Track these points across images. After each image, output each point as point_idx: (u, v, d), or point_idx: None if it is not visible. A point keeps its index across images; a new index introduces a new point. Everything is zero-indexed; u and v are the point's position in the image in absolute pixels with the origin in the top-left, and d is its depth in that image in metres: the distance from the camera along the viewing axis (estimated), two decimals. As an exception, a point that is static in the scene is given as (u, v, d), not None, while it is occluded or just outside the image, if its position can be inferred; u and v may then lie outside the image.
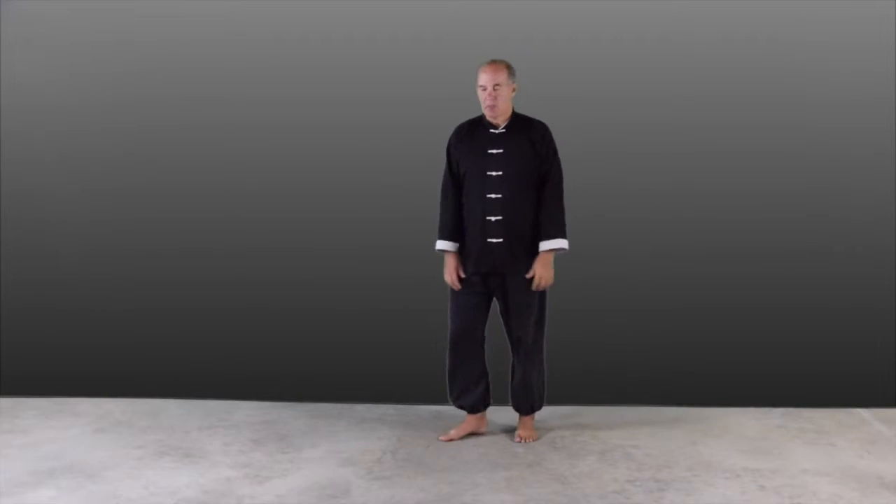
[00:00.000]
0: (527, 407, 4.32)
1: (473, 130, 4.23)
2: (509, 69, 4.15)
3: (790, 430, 4.46)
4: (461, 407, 4.36)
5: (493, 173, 4.15)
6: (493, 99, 4.12)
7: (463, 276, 4.22)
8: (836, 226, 5.03)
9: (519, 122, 4.22)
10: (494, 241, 4.15)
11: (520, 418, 4.35)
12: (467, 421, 4.35)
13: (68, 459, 4.04)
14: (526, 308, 4.20)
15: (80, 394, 5.05)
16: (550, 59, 5.08)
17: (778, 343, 5.01)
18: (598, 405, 4.88)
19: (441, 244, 4.27)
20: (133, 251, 5.28)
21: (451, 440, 4.28)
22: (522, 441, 4.24)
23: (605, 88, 5.09)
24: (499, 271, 4.18)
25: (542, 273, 4.15)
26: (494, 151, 4.16)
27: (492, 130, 4.20)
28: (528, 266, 4.16)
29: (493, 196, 4.14)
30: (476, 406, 4.33)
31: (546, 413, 4.71)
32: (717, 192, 5.08)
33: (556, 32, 5.11)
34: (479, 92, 4.15)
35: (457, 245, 4.25)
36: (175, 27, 5.25)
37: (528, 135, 4.17)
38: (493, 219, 4.14)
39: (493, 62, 4.14)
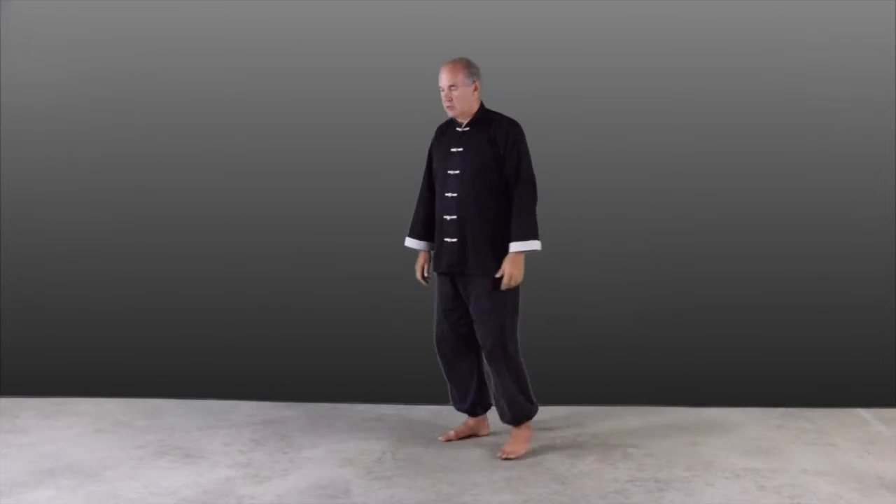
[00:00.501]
0: (507, 417, 4.14)
1: (447, 129, 4.21)
2: (468, 68, 4.05)
3: (790, 430, 4.46)
4: (459, 410, 4.35)
5: (452, 172, 4.09)
6: (450, 100, 4.05)
7: (426, 274, 4.28)
8: (836, 226, 5.03)
9: (484, 120, 4.11)
10: (450, 240, 4.09)
11: (511, 429, 4.18)
12: (467, 423, 4.35)
13: (68, 459, 4.04)
14: (484, 312, 4.05)
15: (80, 394, 5.06)
16: (551, 59, 5.08)
17: (778, 343, 5.01)
18: (598, 405, 4.88)
19: (406, 241, 4.31)
20: (133, 251, 5.27)
21: (450, 440, 4.27)
22: (505, 457, 4.03)
23: (604, 89, 5.08)
24: (455, 271, 4.11)
25: (509, 271, 3.98)
26: (455, 150, 4.11)
27: (457, 129, 4.15)
28: (484, 268, 4.03)
29: (449, 195, 4.09)
30: (472, 410, 4.30)
31: (546, 413, 4.71)
32: (717, 192, 5.07)
33: (557, 33, 5.11)
34: (441, 92, 4.10)
35: (423, 243, 4.27)
36: (175, 27, 5.25)
37: (489, 133, 4.06)
38: (448, 218, 4.09)
39: (451, 62, 4.05)
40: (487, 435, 4.34)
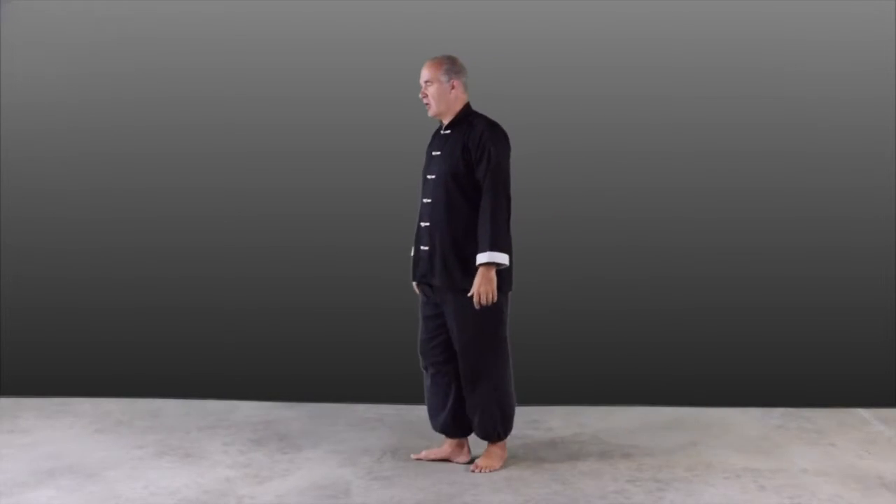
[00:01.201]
0: (480, 432, 3.93)
1: (437, 132, 4.03)
2: (446, 65, 3.89)
3: (790, 430, 4.46)
4: (433, 427, 4.05)
5: (430, 177, 3.92)
6: (425, 96, 3.90)
7: None
8: (836, 226, 5.03)
9: (463, 121, 3.90)
10: (424, 248, 3.90)
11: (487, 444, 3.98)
12: (443, 446, 4.06)
13: (68, 459, 4.04)
14: (455, 327, 3.85)
15: (80, 394, 5.06)
16: (551, 59, 5.08)
17: (778, 343, 5.01)
18: (598, 405, 4.88)
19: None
20: (133, 251, 5.28)
21: (420, 460, 4.04)
22: (477, 471, 3.87)
23: (605, 88, 5.08)
24: (425, 281, 3.91)
25: (475, 288, 3.73)
26: (435, 154, 3.94)
27: (441, 131, 3.98)
28: (450, 280, 3.81)
29: (425, 201, 3.92)
30: (444, 431, 4.01)
31: (546, 413, 4.73)
32: (717, 192, 5.08)
33: (558, 33, 5.11)
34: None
35: None
36: (175, 27, 5.25)
37: (464, 136, 3.84)
38: (422, 224, 3.92)
39: (432, 58, 3.91)
40: (467, 462, 3.98)
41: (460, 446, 4.03)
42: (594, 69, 5.09)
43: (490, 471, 3.88)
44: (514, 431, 4.22)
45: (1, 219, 5.33)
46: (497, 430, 3.92)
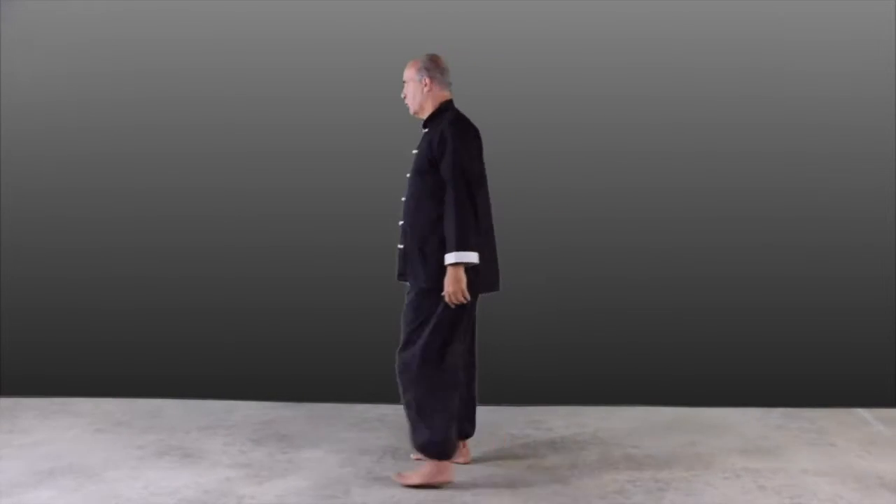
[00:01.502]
0: (412, 441, 3.80)
1: None
2: (420, 63, 3.88)
3: (790, 430, 4.46)
4: None
5: (408, 175, 3.90)
6: (404, 95, 3.93)
7: None
8: (836, 226, 5.03)
9: (435, 120, 3.86)
10: (399, 247, 3.88)
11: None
12: None
13: (68, 459, 4.04)
14: (404, 322, 3.82)
15: (80, 394, 5.07)
16: (552, 59, 5.09)
17: (778, 343, 5.01)
18: (598, 405, 4.88)
19: None
20: (133, 251, 5.28)
21: (419, 460, 3.96)
22: (397, 478, 3.78)
23: (606, 89, 5.08)
24: (402, 280, 3.89)
25: (445, 287, 3.66)
26: (414, 152, 3.91)
27: (422, 130, 3.96)
28: (414, 275, 3.77)
29: (403, 199, 3.90)
30: None
31: (546, 413, 4.73)
32: (717, 192, 5.08)
33: (559, 33, 5.11)
34: None
35: None
36: (175, 27, 5.26)
37: (431, 134, 3.81)
38: (400, 223, 3.90)
39: (413, 58, 3.92)
40: (467, 463, 3.98)
41: (460, 448, 3.97)
42: (594, 69, 5.09)
43: (404, 483, 3.72)
44: (514, 431, 4.23)
45: (1, 219, 5.33)
46: (424, 447, 3.73)
